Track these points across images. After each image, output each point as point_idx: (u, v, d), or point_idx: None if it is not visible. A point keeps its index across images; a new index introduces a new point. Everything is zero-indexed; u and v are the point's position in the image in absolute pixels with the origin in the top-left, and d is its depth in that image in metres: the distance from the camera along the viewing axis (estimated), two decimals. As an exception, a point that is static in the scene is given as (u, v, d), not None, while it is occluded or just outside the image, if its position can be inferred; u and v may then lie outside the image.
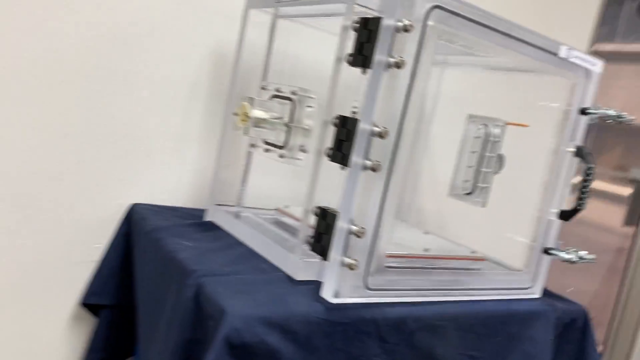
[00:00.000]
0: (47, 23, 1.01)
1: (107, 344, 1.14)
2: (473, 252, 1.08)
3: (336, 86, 0.80)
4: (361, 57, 0.76)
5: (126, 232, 1.15)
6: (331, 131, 0.79)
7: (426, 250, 1.01)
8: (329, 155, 0.79)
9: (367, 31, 0.75)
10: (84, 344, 1.19)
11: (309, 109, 0.90)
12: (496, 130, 1.07)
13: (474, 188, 1.09)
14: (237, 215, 1.14)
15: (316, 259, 0.81)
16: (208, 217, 1.14)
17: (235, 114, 0.98)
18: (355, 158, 0.76)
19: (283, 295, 0.79)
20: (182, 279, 0.82)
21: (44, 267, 1.10)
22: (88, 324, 1.18)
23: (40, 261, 1.09)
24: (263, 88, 1.00)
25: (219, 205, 1.14)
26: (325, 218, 0.78)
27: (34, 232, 1.08)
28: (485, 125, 1.08)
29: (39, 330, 1.12)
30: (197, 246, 0.96)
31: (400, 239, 1.04)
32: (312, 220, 0.81)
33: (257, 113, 0.94)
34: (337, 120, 0.78)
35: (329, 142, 0.79)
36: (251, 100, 0.96)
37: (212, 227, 1.10)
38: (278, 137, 0.94)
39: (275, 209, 1.15)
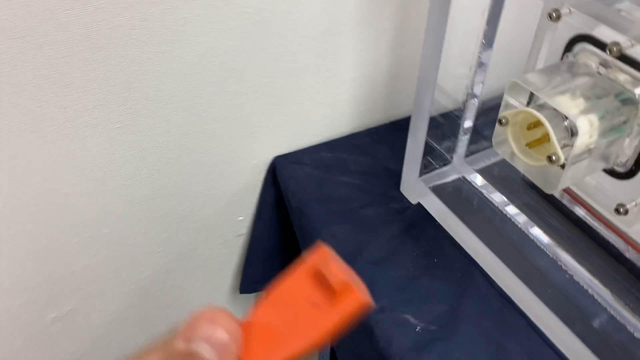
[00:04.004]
0: None
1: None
2: None
3: None
4: None
5: (276, 201, 0.72)
6: None
7: None
8: None
9: None
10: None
11: None
12: None
13: None
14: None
15: None
16: (413, 197, 0.66)
17: (502, 122, 0.41)
18: None
19: None
20: None
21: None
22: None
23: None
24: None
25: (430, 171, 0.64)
26: None
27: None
28: None
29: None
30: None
31: None
32: None
33: (584, 138, 0.37)
34: None
35: None
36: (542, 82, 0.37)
37: (430, 231, 0.63)
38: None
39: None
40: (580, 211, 0.59)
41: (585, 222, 0.59)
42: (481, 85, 0.60)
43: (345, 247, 0.60)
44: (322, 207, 0.65)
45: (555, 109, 0.37)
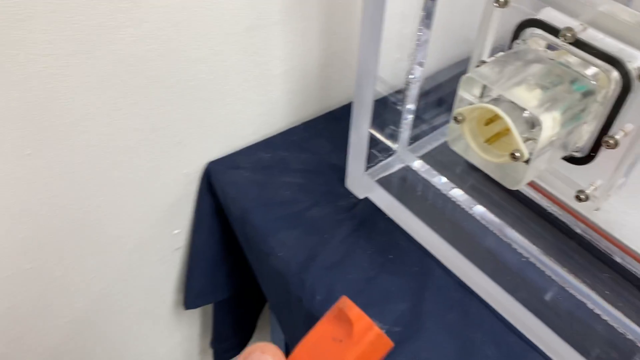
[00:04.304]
0: None
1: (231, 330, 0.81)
2: None
3: None
4: None
5: (214, 209, 0.68)
6: None
7: None
8: None
9: None
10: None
11: None
12: None
13: None
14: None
15: None
16: (360, 193, 0.63)
17: (458, 120, 0.39)
18: None
19: None
20: None
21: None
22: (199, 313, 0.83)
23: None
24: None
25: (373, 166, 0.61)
26: None
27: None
28: None
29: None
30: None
31: None
32: None
33: (547, 132, 0.36)
34: None
35: None
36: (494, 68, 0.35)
37: (376, 221, 0.61)
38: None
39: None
40: (526, 189, 0.59)
41: (532, 200, 0.59)
42: (420, 68, 0.58)
43: (297, 254, 0.57)
44: (267, 213, 0.61)
45: (512, 102, 0.36)
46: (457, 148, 0.41)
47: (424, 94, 0.61)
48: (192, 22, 0.54)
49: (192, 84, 0.58)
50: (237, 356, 0.29)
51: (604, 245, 0.55)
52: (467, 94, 0.38)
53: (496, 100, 0.37)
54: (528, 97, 0.35)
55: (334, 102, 0.74)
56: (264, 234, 0.59)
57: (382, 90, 0.66)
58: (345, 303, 0.26)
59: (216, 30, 0.56)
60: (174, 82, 0.57)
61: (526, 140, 0.36)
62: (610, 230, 0.55)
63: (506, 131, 0.36)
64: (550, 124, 0.35)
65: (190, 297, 0.73)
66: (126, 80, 0.53)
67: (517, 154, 0.35)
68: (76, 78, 0.50)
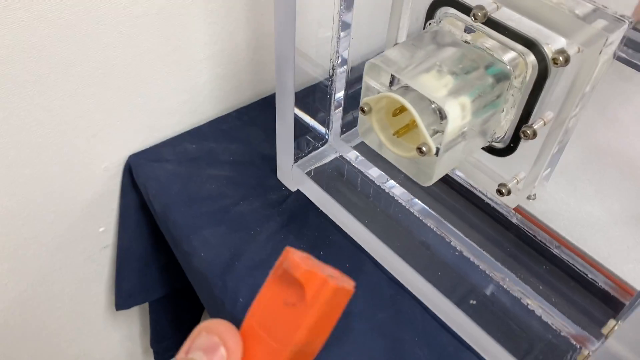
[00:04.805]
0: None
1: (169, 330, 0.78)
2: None
3: None
4: None
5: (139, 205, 0.63)
6: None
7: None
8: None
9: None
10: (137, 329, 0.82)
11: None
12: None
13: None
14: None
15: None
16: (291, 185, 0.59)
17: (364, 110, 0.35)
18: None
19: None
20: None
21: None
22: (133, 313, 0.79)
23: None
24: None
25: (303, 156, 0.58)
26: None
27: None
28: None
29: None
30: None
31: None
32: None
33: (455, 123, 0.32)
34: None
35: None
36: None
37: (306, 212, 0.57)
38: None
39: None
40: (462, 178, 0.56)
41: (468, 190, 0.56)
42: (347, 50, 0.54)
43: (221, 253, 0.53)
44: (190, 209, 0.57)
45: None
46: (369, 141, 0.37)
47: (357, 78, 0.57)
48: (95, 5, 0.49)
49: (102, 72, 0.53)
50: (184, 343, 0.23)
51: (541, 236, 0.52)
52: (373, 82, 0.34)
53: (406, 89, 0.33)
54: (436, 85, 0.32)
55: (269, 87, 0.70)
56: (186, 232, 0.55)
57: (313, 72, 0.62)
58: (289, 261, 0.22)
59: (123, 13, 0.51)
60: (80, 70, 0.52)
61: (435, 132, 0.33)
62: (547, 221, 0.52)
63: (416, 123, 0.33)
64: (458, 114, 0.31)
65: (121, 297, 0.69)
66: (22, 69, 0.48)
67: (424, 148, 0.32)
68: (-41, 68, 0.45)
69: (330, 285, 0.22)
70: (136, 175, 0.61)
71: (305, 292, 0.22)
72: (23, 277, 0.63)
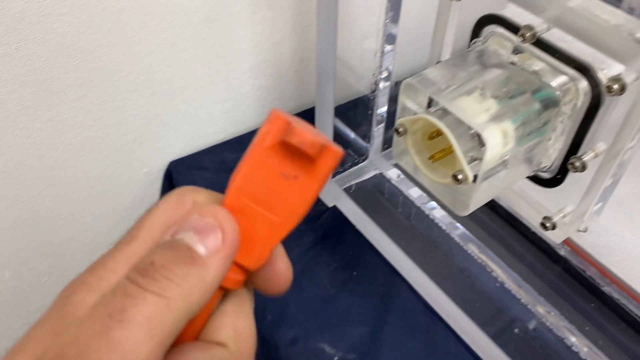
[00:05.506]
0: None
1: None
2: None
3: None
4: None
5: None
6: None
7: None
8: None
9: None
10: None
11: None
12: None
13: None
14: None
15: None
16: (329, 200, 0.58)
17: (399, 131, 0.33)
18: None
19: None
20: None
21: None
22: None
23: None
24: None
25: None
26: None
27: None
28: None
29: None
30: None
31: None
32: None
33: (494, 151, 0.30)
34: None
35: None
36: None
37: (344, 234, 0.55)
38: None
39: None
40: (508, 205, 0.53)
41: (512, 215, 0.53)
42: (391, 64, 0.52)
43: (251, 267, 0.52)
44: (225, 219, 0.56)
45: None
46: (404, 163, 0.35)
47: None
48: (138, 10, 0.49)
49: (144, 78, 0.54)
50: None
51: (590, 271, 0.48)
52: (410, 102, 0.32)
53: (444, 111, 0.31)
54: (476, 110, 0.29)
55: (312, 99, 0.69)
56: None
57: (356, 84, 0.60)
58: (288, 129, 0.20)
59: (167, 20, 0.51)
60: (123, 75, 0.52)
61: (473, 160, 0.31)
62: (599, 255, 0.48)
63: (452, 148, 0.30)
64: (498, 141, 0.29)
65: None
66: (67, 72, 0.49)
67: (460, 176, 0.30)
68: (6, 70, 0.46)
69: (338, 154, 0.20)
70: (176, 181, 0.61)
71: (315, 164, 0.20)
72: (62, 275, 0.64)
